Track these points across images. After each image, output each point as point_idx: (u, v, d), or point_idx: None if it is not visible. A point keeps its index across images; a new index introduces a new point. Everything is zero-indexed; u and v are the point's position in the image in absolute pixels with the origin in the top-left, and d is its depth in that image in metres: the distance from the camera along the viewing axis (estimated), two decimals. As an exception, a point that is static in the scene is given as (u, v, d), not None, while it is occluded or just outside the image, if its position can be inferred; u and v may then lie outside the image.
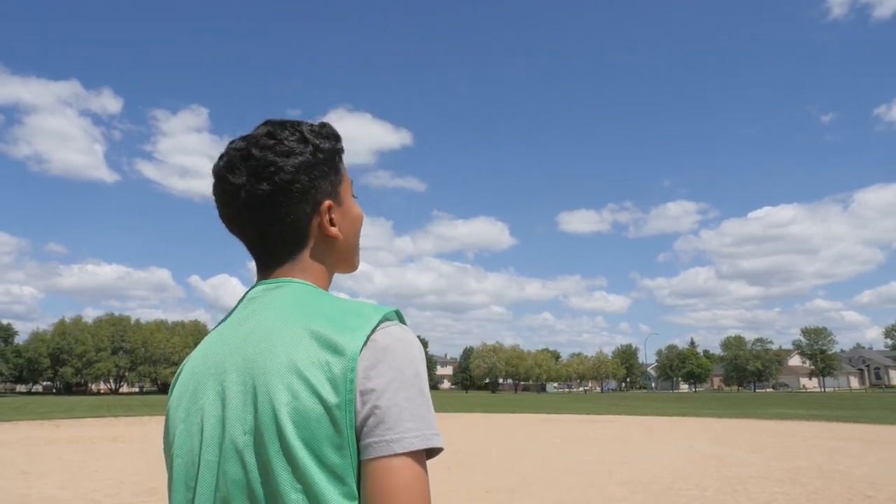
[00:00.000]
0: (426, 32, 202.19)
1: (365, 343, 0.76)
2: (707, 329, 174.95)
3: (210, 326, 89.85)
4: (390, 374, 0.75)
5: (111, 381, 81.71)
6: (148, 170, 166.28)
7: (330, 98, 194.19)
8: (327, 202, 0.92)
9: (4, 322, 78.94)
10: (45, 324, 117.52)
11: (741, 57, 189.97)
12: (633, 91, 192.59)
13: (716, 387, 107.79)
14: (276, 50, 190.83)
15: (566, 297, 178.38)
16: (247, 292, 0.92)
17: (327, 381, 0.74)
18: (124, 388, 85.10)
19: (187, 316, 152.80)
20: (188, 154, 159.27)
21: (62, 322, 78.07)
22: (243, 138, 0.92)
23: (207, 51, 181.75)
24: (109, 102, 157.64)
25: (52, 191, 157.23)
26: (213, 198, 0.94)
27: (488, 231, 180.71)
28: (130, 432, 19.35)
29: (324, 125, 0.96)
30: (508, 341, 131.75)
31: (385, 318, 0.81)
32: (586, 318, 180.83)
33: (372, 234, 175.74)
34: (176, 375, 0.93)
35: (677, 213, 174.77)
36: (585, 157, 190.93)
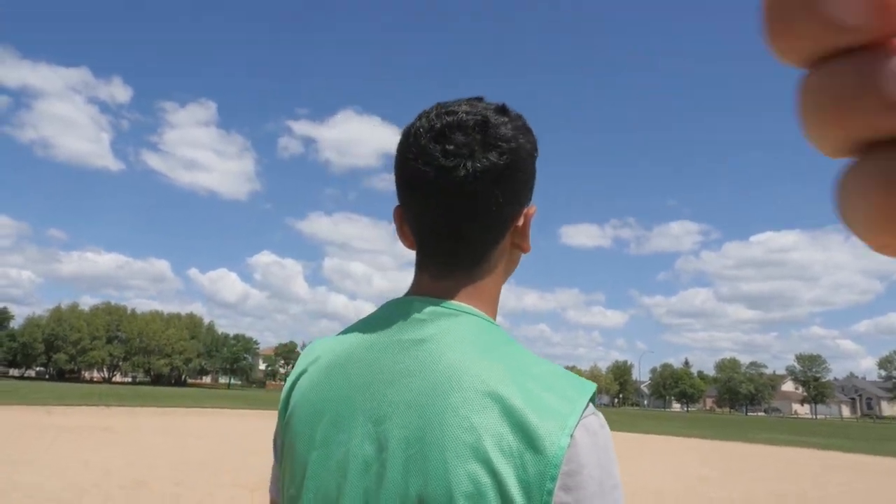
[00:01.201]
0: (434, 43, 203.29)
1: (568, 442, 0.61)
2: (703, 350, 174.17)
3: (206, 321, 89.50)
4: (592, 486, 0.60)
5: (105, 369, 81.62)
6: (153, 161, 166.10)
7: (339, 99, 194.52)
8: (533, 206, 0.76)
9: (0, 305, 79.25)
10: (41, 309, 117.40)
11: (753, 79, 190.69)
12: (643, 109, 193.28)
13: (708, 408, 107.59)
14: (287, 49, 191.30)
15: (564, 309, 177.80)
16: (404, 305, 0.73)
17: (518, 482, 0.58)
18: (117, 378, 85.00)
19: (184, 308, 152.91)
20: (194, 147, 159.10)
21: (58, 308, 78.14)
22: (467, 102, 0.73)
23: (219, 45, 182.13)
24: (118, 91, 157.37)
25: (56, 176, 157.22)
26: (399, 168, 0.74)
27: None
28: (121, 422, 19.37)
29: None
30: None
31: (590, 401, 0.67)
32: (583, 332, 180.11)
33: (373, 237, 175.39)
34: (303, 365, 0.76)
35: (679, 233, 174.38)
36: (591, 171, 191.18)
